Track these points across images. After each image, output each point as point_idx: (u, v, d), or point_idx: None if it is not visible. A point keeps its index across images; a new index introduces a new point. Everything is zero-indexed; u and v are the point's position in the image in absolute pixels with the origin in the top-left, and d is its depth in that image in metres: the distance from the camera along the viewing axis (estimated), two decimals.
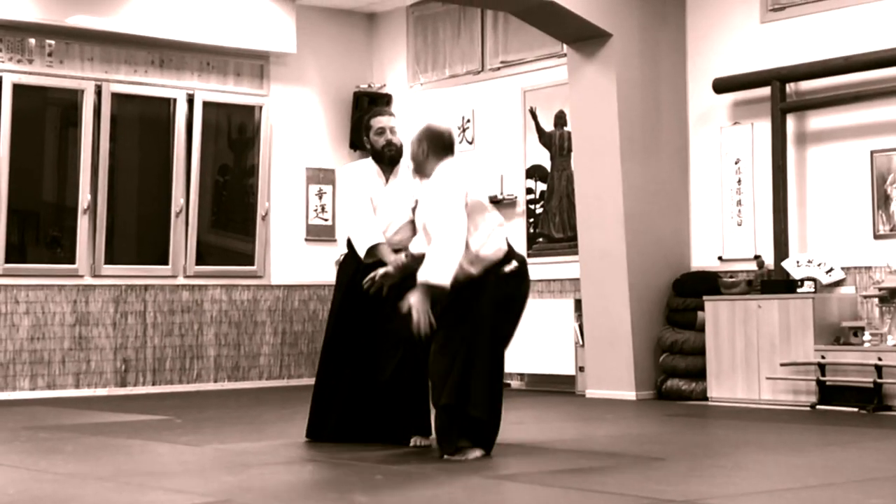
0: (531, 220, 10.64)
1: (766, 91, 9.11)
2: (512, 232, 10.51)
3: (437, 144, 5.88)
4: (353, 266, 6.46)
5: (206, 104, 11.07)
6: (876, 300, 8.45)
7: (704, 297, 9.07)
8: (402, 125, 6.87)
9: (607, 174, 9.39)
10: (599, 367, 9.50)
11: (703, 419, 8.04)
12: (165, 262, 10.86)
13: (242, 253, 11.36)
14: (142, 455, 6.29)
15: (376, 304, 6.12)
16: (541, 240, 10.56)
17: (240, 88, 11.34)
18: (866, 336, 8.30)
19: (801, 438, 6.82)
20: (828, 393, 8.29)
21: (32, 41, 10.29)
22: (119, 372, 10.57)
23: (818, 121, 9.01)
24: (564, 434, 7.22)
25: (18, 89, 10.17)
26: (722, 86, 9.36)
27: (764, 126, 9.20)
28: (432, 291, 5.46)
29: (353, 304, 6.36)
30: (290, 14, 11.34)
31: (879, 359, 8.03)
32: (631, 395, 9.29)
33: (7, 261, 10.11)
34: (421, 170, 5.91)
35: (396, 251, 6.22)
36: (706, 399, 8.98)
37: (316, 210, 11.73)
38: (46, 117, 10.75)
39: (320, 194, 11.76)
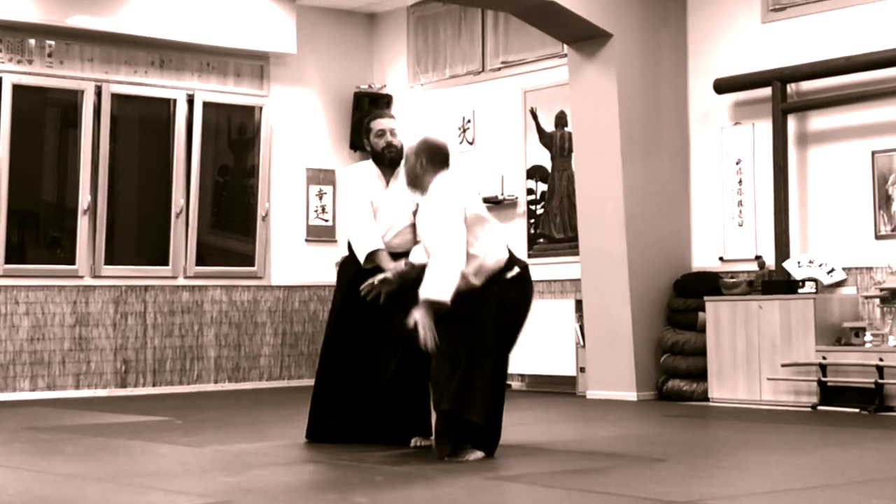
0: (532, 220, 10.63)
1: (767, 91, 9.10)
2: (512, 233, 10.53)
3: (435, 158, 5.89)
4: (353, 267, 6.45)
5: (206, 105, 11.06)
6: (877, 301, 8.44)
7: (705, 298, 9.06)
8: (403, 127, 6.87)
9: (608, 174, 9.38)
10: (600, 368, 9.49)
11: (704, 420, 8.04)
12: (165, 263, 10.86)
13: (243, 254, 11.36)
14: (142, 456, 6.29)
15: (376, 305, 6.12)
16: (541, 240, 10.55)
17: (240, 89, 11.34)
18: (867, 337, 8.29)
19: (802, 439, 6.81)
20: (829, 393, 8.28)
21: (32, 42, 10.29)
22: (119, 373, 10.57)
23: (819, 121, 9.00)
24: (565, 435, 7.22)
25: (18, 90, 10.16)
26: (723, 86, 9.35)
27: (765, 126, 9.19)
28: (435, 307, 5.48)
29: (354, 305, 6.35)
30: (291, 14, 11.33)
31: (881, 359, 8.02)
32: (632, 395, 9.28)
33: (7, 261, 10.10)
34: (417, 183, 5.91)
35: (397, 255, 6.22)
36: (707, 400, 8.97)
37: (316, 211, 11.72)
38: (46, 118, 10.74)
39: (320, 195, 11.76)
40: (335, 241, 11.69)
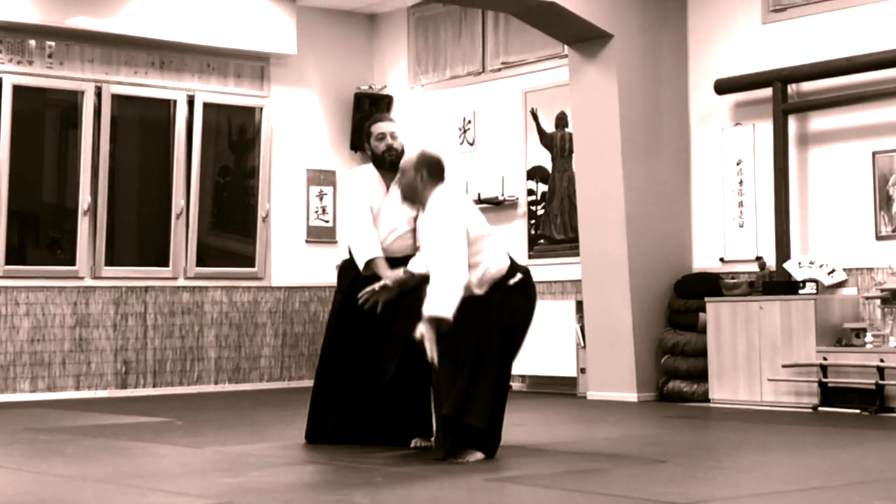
0: (532, 221, 10.63)
1: (767, 92, 9.10)
2: (513, 233, 10.53)
3: (435, 171, 5.89)
4: (353, 269, 6.45)
5: (206, 105, 11.06)
6: (878, 301, 8.44)
7: (706, 299, 9.06)
8: (403, 129, 6.87)
9: (608, 175, 9.38)
10: (601, 369, 9.49)
11: (705, 421, 8.03)
12: (166, 264, 10.85)
13: (243, 254, 11.35)
14: (142, 457, 6.28)
15: (375, 308, 6.11)
16: (542, 241, 10.55)
17: (240, 90, 11.33)
18: (868, 337, 8.29)
19: (802, 440, 6.81)
20: (830, 394, 8.28)
21: (32, 42, 10.29)
22: (119, 374, 10.56)
23: (820, 122, 8.99)
24: (566, 436, 7.21)
25: (18, 91, 10.16)
26: (723, 87, 9.35)
27: (765, 127, 9.19)
28: (438, 323, 5.49)
29: (354, 306, 6.34)
30: (291, 15, 11.33)
31: (881, 360, 8.02)
32: (632, 396, 9.28)
33: (7, 262, 10.10)
34: (416, 198, 5.89)
35: (397, 260, 6.22)
36: (708, 401, 8.97)
37: (316, 211, 11.72)
38: (46, 119, 10.74)
39: (321, 196, 11.75)
40: (335, 242, 11.68)
